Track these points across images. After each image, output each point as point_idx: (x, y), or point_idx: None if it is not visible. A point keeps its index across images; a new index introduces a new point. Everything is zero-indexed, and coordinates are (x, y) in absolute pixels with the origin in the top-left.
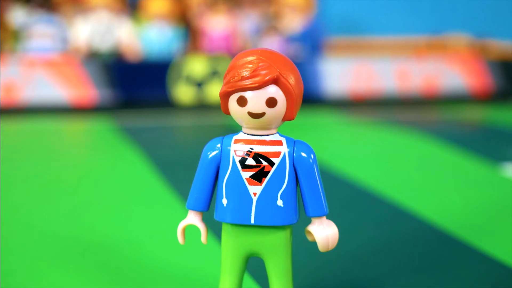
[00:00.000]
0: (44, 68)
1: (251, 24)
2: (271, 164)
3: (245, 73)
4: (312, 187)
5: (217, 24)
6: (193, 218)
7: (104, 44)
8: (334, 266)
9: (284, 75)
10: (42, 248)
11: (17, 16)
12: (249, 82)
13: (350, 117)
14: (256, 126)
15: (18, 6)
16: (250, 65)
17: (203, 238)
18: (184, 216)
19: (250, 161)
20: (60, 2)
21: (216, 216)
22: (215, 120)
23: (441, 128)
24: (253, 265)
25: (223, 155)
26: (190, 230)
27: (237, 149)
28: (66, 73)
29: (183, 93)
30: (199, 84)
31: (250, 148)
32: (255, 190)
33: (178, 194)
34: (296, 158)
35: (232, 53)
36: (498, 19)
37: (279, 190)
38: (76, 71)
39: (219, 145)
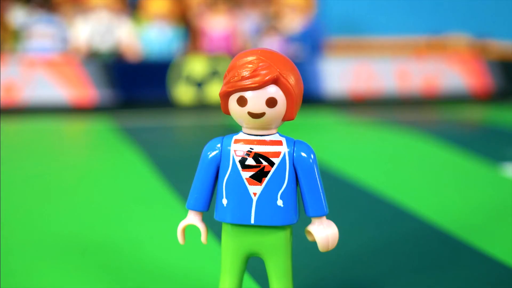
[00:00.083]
0: (44, 68)
1: (251, 24)
2: (271, 164)
3: (245, 73)
4: (312, 187)
5: (217, 24)
6: (193, 218)
7: (104, 44)
8: (334, 266)
9: (284, 75)
10: (42, 248)
11: (17, 16)
12: (249, 82)
13: (350, 117)
14: (256, 126)
15: (18, 6)
16: (250, 65)
17: (203, 238)
18: (184, 216)
19: (250, 161)
20: (60, 2)
21: (216, 216)
22: (215, 120)
23: (441, 128)
24: (253, 265)
25: (223, 155)
26: (190, 230)
27: (237, 149)
28: (66, 73)
29: (183, 93)
30: (199, 84)
31: (250, 148)
32: (255, 190)
33: (178, 194)
34: (296, 158)
35: (232, 53)
36: (498, 19)
37: (279, 190)
38: (76, 71)
39: (219, 145)
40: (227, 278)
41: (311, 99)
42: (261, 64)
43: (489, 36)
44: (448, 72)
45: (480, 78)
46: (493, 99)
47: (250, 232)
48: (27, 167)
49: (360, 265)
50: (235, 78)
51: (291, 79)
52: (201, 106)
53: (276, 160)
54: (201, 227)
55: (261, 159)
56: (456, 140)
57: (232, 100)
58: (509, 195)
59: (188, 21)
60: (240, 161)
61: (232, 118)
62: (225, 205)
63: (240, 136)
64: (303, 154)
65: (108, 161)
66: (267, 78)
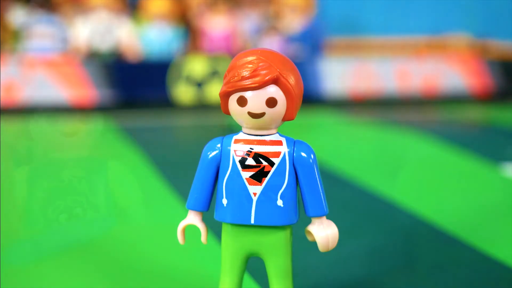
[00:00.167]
0: (44, 68)
1: (251, 24)
2: (271, 164)
3: (245, 73)
4: (312, 187)
5: (217, 24)
6: (193, 218)
7: (104, 44)
8: (334, 266)
9: (284, 75)
10: (42, 248)
11: (17, 16)
12: (249, 82)
13: (350, 117)
14: (256, 126)
15: (18, 6)
16: (250, 65)
17: (203, 238)
18: (184, 216)
19: (250, 161)
20: (60, 2)
21: (216, 216)
22: (215, 120)
23: (441, 128)
24: (253, 265)
25: (223, 155)
26: (190, 230)
27: (237, 149)
28: (66, 73)
29: (183, 93)
30: (199, 84)
31: (250, 148)
32: (255, 190)
33: (178, 194)
34: (296, 158)
35: (232, 53)
36: (498, 19)
37: (279, 190)
38: (76, 71)
39: (219, 145)
40: (227, 278)
41: (311, 99)
42: (261, 64)
43: (489, 36)
44: (448, 72)
45: (480, 78)
46: (493, 99)
47: (250, 232)
48: (27, 167)
49: (360, 265)
50: (235, 78)
51: (291, 79)
52: (201, 106)
53: (276, 160)
54: (201, 227)
55: (261, 159)
56: (456, 140)
57: (232, 100)
58: (509, 195)
59: (188, 21)
60: (240, 161)
61: (232, 118)
62: (225, 205)
63: (240, 136)
64: (303, 154)
65: (108, 161)
66: (267, 78)
